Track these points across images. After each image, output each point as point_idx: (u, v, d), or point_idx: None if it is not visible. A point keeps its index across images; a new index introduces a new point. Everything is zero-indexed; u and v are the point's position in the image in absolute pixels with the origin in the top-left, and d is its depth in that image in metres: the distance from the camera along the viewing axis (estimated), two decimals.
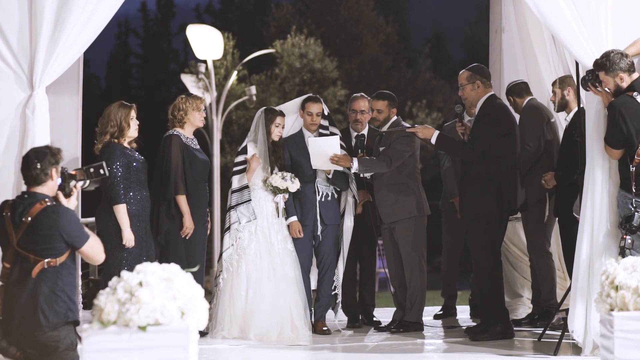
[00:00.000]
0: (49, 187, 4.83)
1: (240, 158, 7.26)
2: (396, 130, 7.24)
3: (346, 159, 7.16)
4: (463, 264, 8.42)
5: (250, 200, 7.14)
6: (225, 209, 7.48)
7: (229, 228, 7.14)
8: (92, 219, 6.91)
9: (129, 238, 6.41)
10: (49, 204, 4.75)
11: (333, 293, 7.42)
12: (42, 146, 4.92)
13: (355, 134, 7.74)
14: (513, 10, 8.16)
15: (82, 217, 6.92)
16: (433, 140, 6.84)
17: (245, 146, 7.27)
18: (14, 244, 4.72)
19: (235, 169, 7.25)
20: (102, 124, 6.54)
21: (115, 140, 6.50)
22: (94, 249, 4.84)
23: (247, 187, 7.16)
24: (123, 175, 6.43)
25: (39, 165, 4.77)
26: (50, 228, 4.69)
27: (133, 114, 6.58)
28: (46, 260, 4.68)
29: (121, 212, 6.40)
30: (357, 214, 7.58)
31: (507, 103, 7.67)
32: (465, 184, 6.89)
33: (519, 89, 7.59)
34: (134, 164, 6.53)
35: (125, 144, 6.55)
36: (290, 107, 7.64)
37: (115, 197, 6.40)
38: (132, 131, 6.57)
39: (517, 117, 7.70)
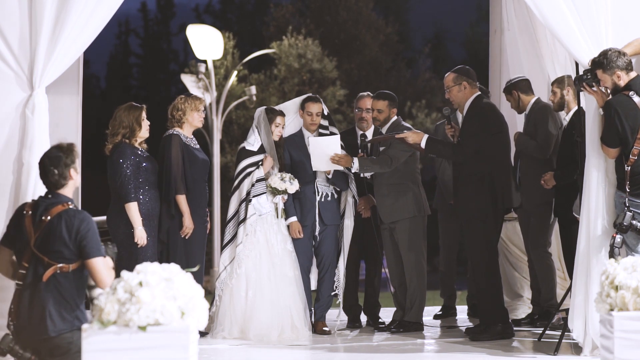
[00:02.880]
0: (71, 187, 4.78)
1: (255, 158, 7.19)
2: (385, 137, 7.21)
3: (346, 159, 7.15)
4: (461, 264, 8.41)
5: (266, 193, 7.15)
6: (225, 209, 7.45)
7: (244, 220, 7.08)
8: (99, 218, 6.90)
9: (140, 236, 6.45)
10: (71, 206, 4.70)
11: (333, 293, 7.42)
12: (53, 148, 4.79)
13: (360, 132, 7.75)
14: (513, 10, 8.16)
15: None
16: (423, 144, 6.82)
17: (262, 145, 7.24)
18: (32, 244, 4.65)
19: (253, 167, 7.18)
20: (113, 126, 6.60)
21: (127, 141, 6.57)
22: (102, 269, 4.62)
23: (264, 179, 7.17)
24: (133, 174, 6.47)
25: (56, 172, 4.72)
26: (68, 231, 4.61)
27: (144, 114, 6.66)
28: (59, 265, 4.61)
29: (132, 210, 6.44)
30: (364, 217, 7.59)
31: (506, 101, 7.66)
32: (458, 185, 6.88)
33: (524, 85, 7.50)
34: (144, 164, 6.59)
35: (136, 145, 6.62)
36: (290, 107, 7.63)
37: (126, 195, 6.44)
38: (144, 132, 6.66)
39: (515, 113, 7.69)
